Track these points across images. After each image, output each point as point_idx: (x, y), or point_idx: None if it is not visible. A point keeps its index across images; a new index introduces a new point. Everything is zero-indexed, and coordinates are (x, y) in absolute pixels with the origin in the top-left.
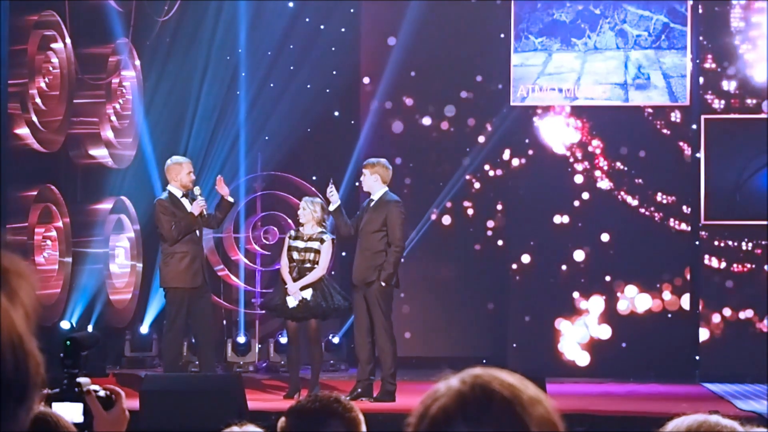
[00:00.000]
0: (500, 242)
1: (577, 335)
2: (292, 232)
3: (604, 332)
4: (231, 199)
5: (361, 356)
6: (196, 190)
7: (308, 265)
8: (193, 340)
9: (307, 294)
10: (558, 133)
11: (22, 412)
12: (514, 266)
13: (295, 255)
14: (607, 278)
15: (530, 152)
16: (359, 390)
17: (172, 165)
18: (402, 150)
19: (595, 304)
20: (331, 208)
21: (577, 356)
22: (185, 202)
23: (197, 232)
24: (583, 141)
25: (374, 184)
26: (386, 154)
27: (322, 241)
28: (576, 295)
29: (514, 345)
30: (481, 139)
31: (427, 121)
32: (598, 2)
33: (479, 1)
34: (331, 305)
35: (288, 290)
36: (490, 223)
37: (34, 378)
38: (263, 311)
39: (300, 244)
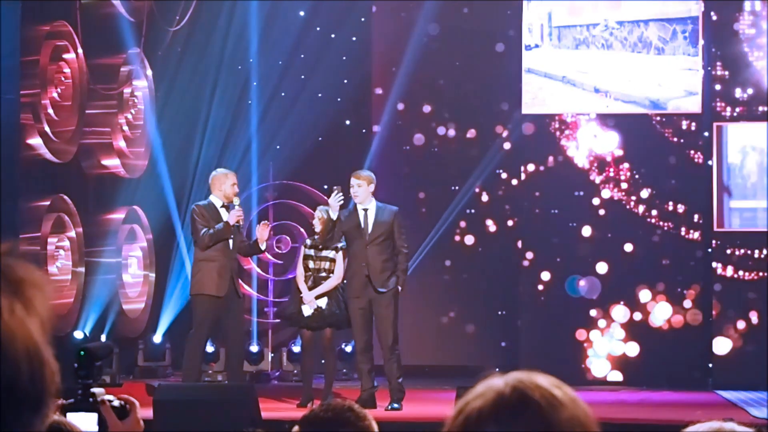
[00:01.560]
0: (521, 256)
1: (593, 344)
2: (308, 242)
3: (618, 341)
4: (263, 248)
5: (366, 366)
6: (236, 200)
7: (323, 274)
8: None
9: (322, 303)
10: (570, 143)
11: (37, 420)
12: (534, 280)
13: (311, 264)
14: (621, 288)
15: (542, 161)
16: (364, 399)
17: (217, 175)
18: (414, 159)
19: (609, 314)
20: (334, 216)
21: (594, 366)
22: (223, 212)
23: (230, 243)
24: (595, 150)
25: (368, 194)
26: (398, 164)
27: (337, 250)
28: (592, 305)
29: (528, 353)
30: (494, 149)
31: (440, 130)
32: (616, 11)
33: (491, 8)
34: (345, 314)
35: (303, 299)
36: (506, 232)
37: (49, 386)
38: (276, 320)
39: (315, 253)
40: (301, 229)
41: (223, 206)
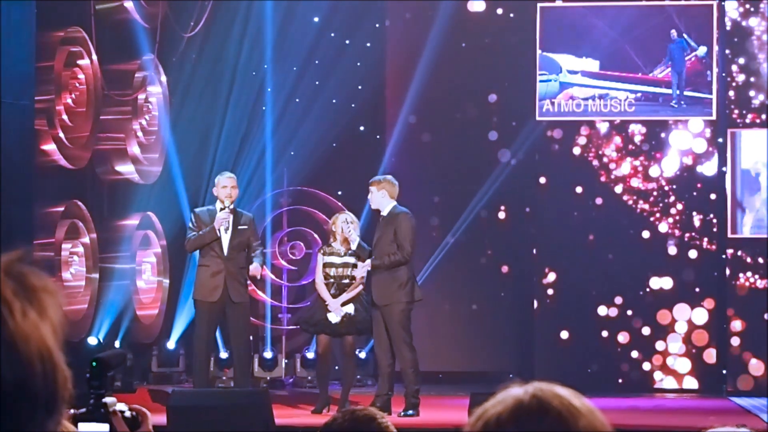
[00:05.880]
0: (537, 262)
1: (608, 352)
2: (326, 249)
3: (632, 348)
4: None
5: (384, 372)
6: (224, 203)
7: (347, 281)
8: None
9: (350, 309)
10: (584, 149)
11: (51, 422)
12: (544, 281)
13: (332, 271)
14: (634, 293)
15: (554, 167)
16: (378, 405)
17: (216, 179)
18: (428, 165)
19: (623, 318)
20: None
21: (608, 372)
22: (221, 215)
23: (224, 248)
24: (607, 156)
25: (382, 200)
26: (412, 170)
27: (358, 256)
28: (604, 309)
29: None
30: (506, 155)
31: (452, 137)
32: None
33: (505, 15)
34: (370, 318)
35: (329, 307)
36: (522, 238)
37: (62, 391)
38: (291, 327)
39: (336, 260)
40: (315, 236)
41: (222, 209)
